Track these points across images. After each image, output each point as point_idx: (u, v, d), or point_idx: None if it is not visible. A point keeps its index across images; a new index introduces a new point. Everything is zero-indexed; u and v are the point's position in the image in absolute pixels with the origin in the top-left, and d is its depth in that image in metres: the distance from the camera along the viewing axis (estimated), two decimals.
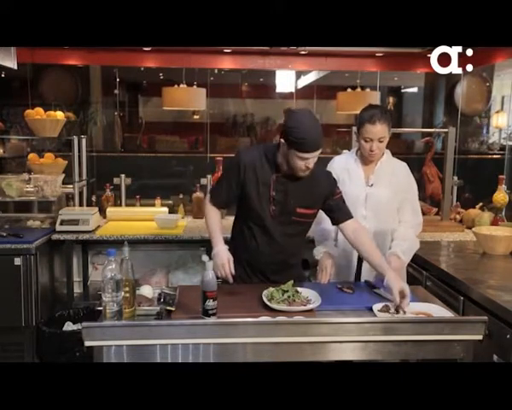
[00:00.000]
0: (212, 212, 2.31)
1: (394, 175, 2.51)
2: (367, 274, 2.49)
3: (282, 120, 6.23)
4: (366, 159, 2.48)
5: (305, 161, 2.07)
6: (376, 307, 1.98)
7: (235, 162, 2.24)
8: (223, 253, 2.13)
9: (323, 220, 2.52)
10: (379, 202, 2.47)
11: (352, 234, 2.26)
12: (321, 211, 2.52)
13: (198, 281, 2.70)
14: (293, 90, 5.53)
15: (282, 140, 2.10)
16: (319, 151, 2.08)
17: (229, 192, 2.25)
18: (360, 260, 2.50)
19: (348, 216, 2.29)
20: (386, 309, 1.97)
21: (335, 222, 2.32)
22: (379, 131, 2.36)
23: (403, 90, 6.51)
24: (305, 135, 2.02)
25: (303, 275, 2.56)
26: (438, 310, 2.00)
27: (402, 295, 1.98)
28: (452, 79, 5.37)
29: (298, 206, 2.21)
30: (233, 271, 2.11)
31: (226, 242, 2.25)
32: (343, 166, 2.55)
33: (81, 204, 4.00)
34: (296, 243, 2.34)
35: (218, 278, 2.09)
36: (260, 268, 2.31)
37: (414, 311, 1.98)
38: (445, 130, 3.66)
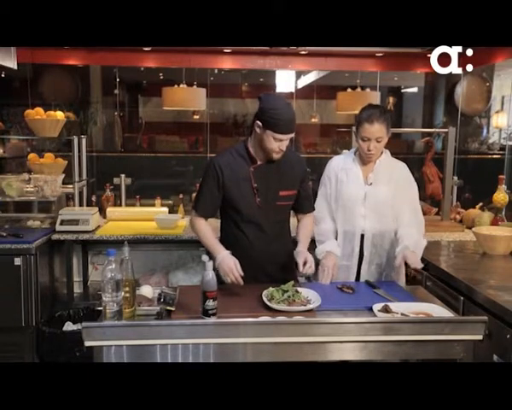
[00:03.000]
0: (202, 224, 2.34)
1: (393, 174, 2.50)
2: (367, 274, 2.49)
3: None
4: (364, 158, 2.48)
5: (279, 143, 2.17)
6: (376, 307, 1.98)
7: (210, 168, 2.30)
8: (228, 258, 2.16)
9: (323, 220, 2.53)
10: (378, 200, 2.47)
11: (304, 223, 2.45)
12: (319, 212, 2.53)
13: (198, 281, 2.70)
14: (293, 90, 5.53)
15: (258, 122, 2.18)
16: (292, 134, 2.19)
17: (213, 198, 2.30)
18: (360, 260, 2.50)
19: (312, 209, 2.49)
20: (386, 309, 1.97)
21: (298, 210, 2.45)
22: (377, 130, 2.36)
23: (403, 90, 6.51)
24: (282, 116, 2.13)
25: (294, 265, 2.55)
26: (438, 310, 2.00)
27: (304, 262, 2.20)
28: (452, 79, 5.37)
29: (280, 189, 2.31)
30: (241, 272, 2.12)
31: None
32: (341, 165, 2.55)
33: (81, 204, 4.00)
34: (284, 229, 2.42)
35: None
36: (255, 264, 2.30)
37: (414, 311, 1.98)
38: (445, 130, 3.65)
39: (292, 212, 2.48)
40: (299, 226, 2.47)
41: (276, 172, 2.30)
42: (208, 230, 2.33)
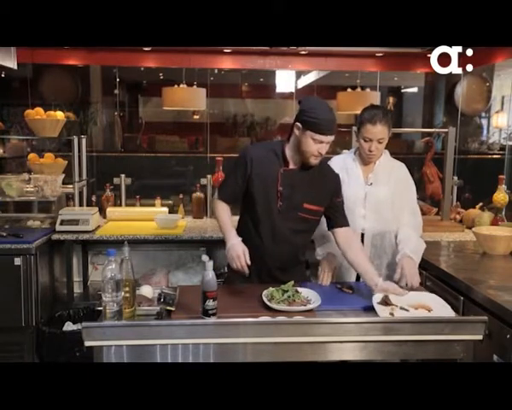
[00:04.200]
0: (221, 207, 2.30)
1: (393, 175, 2.51)
2: None
3: (282, 120, 6.24)
4: (365, 159, 2.48)
5: (319, 146, 2.10)
6: (376, 298, 1.99)
7: (242, 156, 2.26)
8: (237, 245, 2.13)
9: (324, 221, 2.53)
10: (378, 200, 2.47)
11: (344, 239, 2.29)
12: None
13: (198, 281, 2.71)
14: (293, 90, 5.53)
15: (298, 123, 2.13)
16: (332, 137, 2.12)
17: (236, 186, 2.26)
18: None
19: (346, 223, 2.32)
20: (385, 301, 1.98)
21: (332, 225, 2.33)
22: (379, 131, 2.36)
23: (403, 90, 6.51)
24: (323, 116, 2.08)
25: (305, 275, 2.55)
26: (438, 301, 2.03)
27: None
28: (452, 79, 5.36)
29: (305, 201, 2.22)
30: (248, 262, 2.10)
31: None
32: (341, 165, 2.55)
33: (81, 204, 4.00)
34: (301, 240, 2.34)
35: (233, 271, 2.11)
36: (264, 265, 2.30)
37: (413, 304, 1.99)
38: (445, 130, 3.66)
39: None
40: (349, 255, 2.26)
41: (306, 182, 2.23)
42: (225, 215, 2.28)
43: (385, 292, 2.05)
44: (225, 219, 2.27)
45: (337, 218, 2.32)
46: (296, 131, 2.16)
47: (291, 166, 2.23)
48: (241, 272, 2.13)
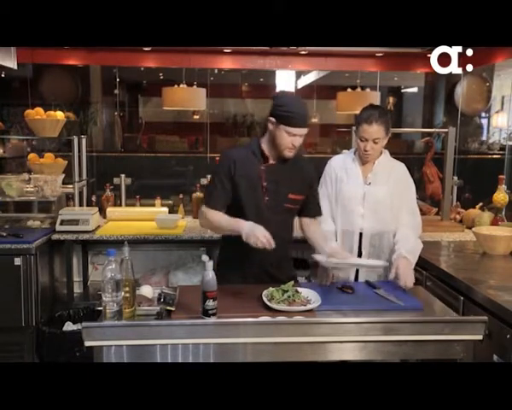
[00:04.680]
0: (215, 213, 2.27)
1: (392, 175, 2.50)
2: (365, 274, 2.49)
3: None
4: (362, 158, 2.49)
5: (293, 138, 2.17)
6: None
7: (224, 161, 2.29)
8: (256, 227, 2.10)
9: (324, 221, 2.53)
10: (377, 200, 2.47)
11: (307, 227, 2.42)
12: (322, 212, 2.53)
13: (198, 281, 2.70)
14: (293, 90, 5.53)
15: (272, 118, 2.19)
16: (306, 130, 2.19)
17: (224, 192, 2.26)
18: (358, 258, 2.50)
19: (319, 213, 2.44)
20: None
21: (305, 214, 2.41)
22: (374, 131, 2.37)
23: (403, 90, 6.52)
24: (296, 109, 2.16)
25: (294, 270, 2.55)
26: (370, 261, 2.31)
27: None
28: (452, 79, 5.37)
29: (290, 192, 2.29)
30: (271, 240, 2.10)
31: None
32: (341, 164, 2.56)
33: (81, 204, 4.00)
34: (288, 233, 2.40)
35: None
36: (257, 262, 2.28)
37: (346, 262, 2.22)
38: (445, 130, 3.66)
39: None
40: (315, 234, 2.38)
41: (288, 174, 2.29)
42: (223, 215, 2.26)
43: (334, 255, 2.18)
44: (225, 217, 2.24)
45: (310, 208, 2.41)
46: (270, 126, 2.22)
47: (270, 161, 2.28)
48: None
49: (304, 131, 2.18)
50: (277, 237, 2.21)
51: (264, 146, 2.28)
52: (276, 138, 2.20)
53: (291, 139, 2.17)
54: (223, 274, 2.28)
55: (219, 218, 2.25)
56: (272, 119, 2.19)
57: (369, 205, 2.48)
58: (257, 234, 2.08)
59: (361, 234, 2.49)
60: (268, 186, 2.26)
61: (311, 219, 2.42)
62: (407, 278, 2.22)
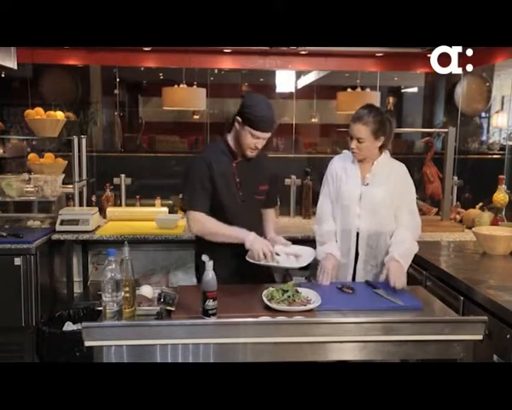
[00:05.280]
0: (207, 218, 2.30)
1: (391, 176, 2.49)
2: (363, 274, 2.49)
3: (282, 120, 6.23)
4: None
5: (256, 141, 2.26)
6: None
7: (200, 163, 2.34)
8: (259, 238, 2.23)
9: (326, 221, 2.53)
10: (373, 201, 2.46)
11: (265, 218, 2.56)
12: (323, 211, 2.54)
13: None
14: (293, 90, 5.52)
15: (238, 118, 2.26)
16: (269, 134, 2.27)
17: (206, 192, 2.32)
18: (356, 259, 2.49)
19: (274, 203, 2.69)
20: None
21: (265, 205, 2.54)
22: (358, 131, 2.38)
23: (403, 90, 6.50)
24: (261, 113, 2.22)
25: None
26: (305, 252, 2.31)
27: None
28: (452, 79, 5.36)
29: (259, 183, 2.42)
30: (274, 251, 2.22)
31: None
32: (341, 164, 2.56)
33: (81, 204, 4.00)
34: (260, 223, 2.51)
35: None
36: (242, 258, 2.25)
37: (289, 252, 2.29)
38: (445, 130, 3.66)
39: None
40: (265, 221, 2.55)
41: (254, 167, 2.40)
42: (219, 223, 2.29)
43: (274, 243, 2.30)
44: (222, 225, 2.28)
45: (272, 198, 2.59)
46: (236, 125, 2.29)
47: (239, 158, 2.37)
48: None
49: (267, 135, 2.26)
50: (253, 229, 2.28)
51: (231, 143, 2.37)
52: (241, 138, 2.28)
53: (255, 141, 2.26)
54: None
55: (216, 225, 2.28)
56: (239, 119, 2.26)
57: (365, 206, 2.47)
58: (261, 244, 2.18)
59: (358, 234, 2.49)
60: (241, 181, 2.37)
61: (268, 210, 2.58)
62: (397, 281, 2.22)
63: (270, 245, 2.21)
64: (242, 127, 2.25)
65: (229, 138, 2.38)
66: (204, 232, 2.33)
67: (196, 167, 2.35)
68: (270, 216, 2.60)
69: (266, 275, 2.51)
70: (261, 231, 2.44)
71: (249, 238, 2.20)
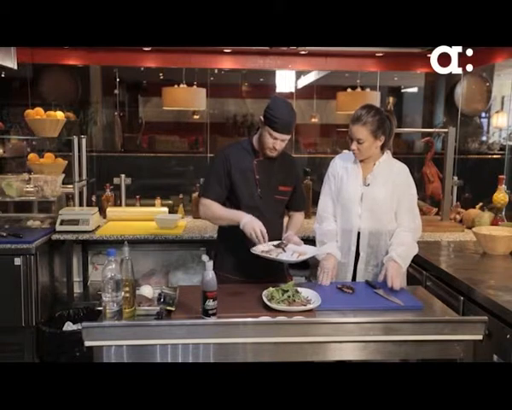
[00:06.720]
0: (213, 203, 2.42)
1: (392, 176, 2.48)
2: (363, 274, 2.49)
3: None
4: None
5: (274, 141, 2.34)
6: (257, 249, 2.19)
7: (219, 157, 2.48)
8: (253, 220, 2.27)
9: (327, 221, 2.53)
10: (374, 201, 2.46)
11: (295, 220, 2.64)
12: (324, 210, 2.54)
13: (198, 281, 2.71)
14: (293, 90, 5.52)
15: (262, 117, 2.37)
16: (288, 136, 2.35)
17: (221, 184, 2.43)
18: (356, 259, 2.50)
19: (304, 208, 2.71)
20: (279, 245, 2.26)
21: (291, 207, 2.62)
22: (357, 132, 2.38)
23: (403, 90, 6.50)
24: (281, 116, 2.30)
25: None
26: (312, 250, 2.33)
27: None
28: (452, 79, 5.36)
29: (279, 184, 2.48)
30: (265, 234, 2.25)
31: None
32: (343, 164, 2.56)
33: (81, 204, 4.00)
34: (279, 223, 2.56)
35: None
36: (252, 255, 2.26)
37: (297, 250, 2.28)
38: (445, 130, 3.66)
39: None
40: (289, 221, 2.64)
41: (277, 167, 2.47)
42: (222, 207, 2.42)
43: (288, 241, 2.35)
44: (226, 209, 2.41)
45: (298, 201, 2.63)
46: (260, 124, 2.40)
47: (261, 156, 2.45)
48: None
49: (285, 136, 2.33)
50: (270, 226, 2.32)
51: (255, 142, 2.47)
52: (262, 137, 2.38)
53: (273, 141, 2.34)
54: (220, 261, 2.47)
55: (219, 208, 2.42)
56: (262, 118, 2.37)
57: (366, 206, 2.47)
58: (254, 225, 2.25)
59: (359, 234, 2.49)
60: (260, 179, 2.43)
61: (295, 213, 2.65)
62: (394, 281, 2.23)
63: (263, 227, 2.25)
64: (264, 127, 2.35)
65: (254, 138, 2.48)
66: (208, 216, 2.48)
67: (215, 160, 2.50)
68: (296, 219, 2.65)
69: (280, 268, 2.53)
70: (279, 231, 2.49)
71: (244, 220, 2.28)
